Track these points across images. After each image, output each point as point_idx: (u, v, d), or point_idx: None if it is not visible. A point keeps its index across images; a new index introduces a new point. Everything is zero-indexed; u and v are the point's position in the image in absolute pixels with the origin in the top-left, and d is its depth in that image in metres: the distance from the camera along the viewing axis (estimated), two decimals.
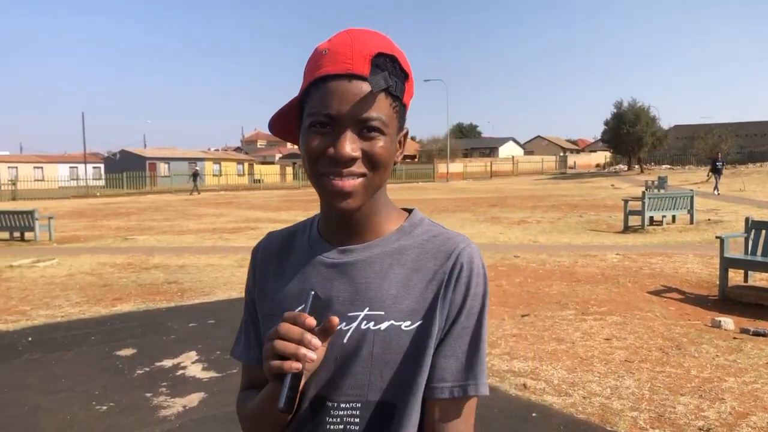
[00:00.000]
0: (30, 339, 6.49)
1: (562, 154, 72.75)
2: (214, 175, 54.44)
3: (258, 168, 59.59)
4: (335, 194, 0.99)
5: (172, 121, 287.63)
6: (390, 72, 0.98)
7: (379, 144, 0.99)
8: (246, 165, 61.26)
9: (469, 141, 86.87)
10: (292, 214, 22.46)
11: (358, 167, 0.98)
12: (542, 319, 6.78)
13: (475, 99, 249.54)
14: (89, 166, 56.64)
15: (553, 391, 4.69)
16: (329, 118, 0.96)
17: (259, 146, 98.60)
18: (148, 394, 4.89)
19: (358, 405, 1.01)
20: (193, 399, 4.80)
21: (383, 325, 1.01)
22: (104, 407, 4.63)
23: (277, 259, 1.16)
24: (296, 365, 0.89)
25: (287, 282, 1.10)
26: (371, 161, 0.99)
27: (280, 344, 0.90)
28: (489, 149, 79.27)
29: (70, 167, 59.91)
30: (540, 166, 61.03)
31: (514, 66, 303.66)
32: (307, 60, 1.03)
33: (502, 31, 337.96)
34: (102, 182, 50.66)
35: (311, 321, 0.91)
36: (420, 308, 1.02)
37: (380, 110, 0.98)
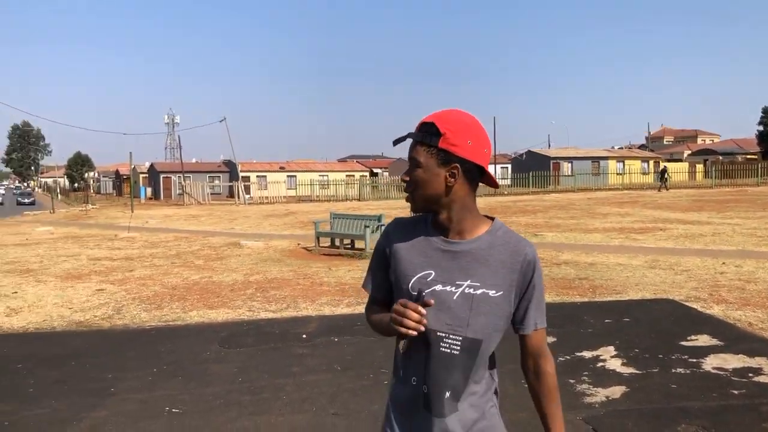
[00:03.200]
0: None
1: None
2: (617, 174, 53.37)
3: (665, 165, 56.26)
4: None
5: (575, 121, 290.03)
6: (425, 131, 1.67)
7: (416, 173, 1.69)
8: (651, 163, 58.50)
9: None
10: (704, 215, 20.79)
11: (410, 186, 1.72)
12: None
13: None
14: (498, 167, 60.81)
15: None
16: (408, 159, 1.74)
17: (665, 143, 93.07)
18: (571, 381, 5.20)
19: (459, 338, 1.66)
20: (615, 391, 4.94)
21: (479, 291, 1.67)
22: None
23: (407, 236, 1.78)
24: (413, 333, 1.57)
25: (414, 255, 1.74)
26: (413, 182, 1.70)
27: (408, 317, 1.57)
28: None
29: None
30: None
31: None
32: None
33: None
34: (508, 181, 53.86)
35: (423, 311, 1.58)
36: (503, 284, 1.68)
37: (417, 154, 1.68)
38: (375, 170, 66.29)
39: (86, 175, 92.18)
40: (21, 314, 8.62)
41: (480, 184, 1.74)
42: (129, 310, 8.66)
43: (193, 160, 62.84)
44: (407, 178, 1.71)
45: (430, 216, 1.77)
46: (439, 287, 1.67)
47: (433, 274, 1.69)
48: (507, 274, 1.68)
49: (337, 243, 15.23)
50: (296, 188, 49.89)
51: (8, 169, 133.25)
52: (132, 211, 34.08)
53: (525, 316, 1.73)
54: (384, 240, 1.84)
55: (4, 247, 17.79)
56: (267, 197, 46.76)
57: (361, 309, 8.02)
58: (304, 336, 6.85)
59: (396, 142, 1.79)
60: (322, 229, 15.31)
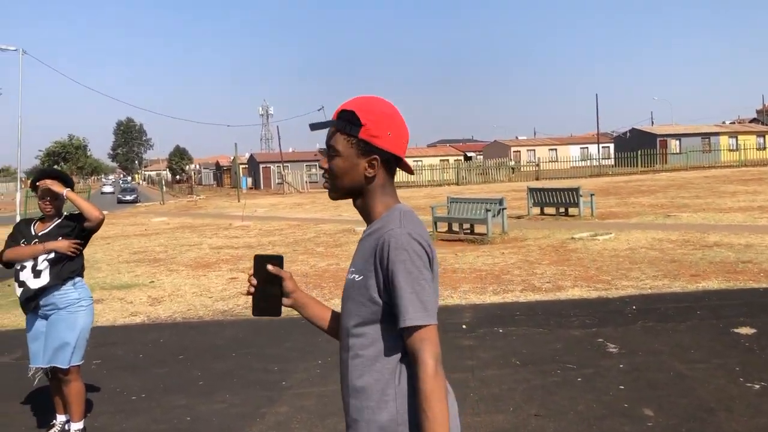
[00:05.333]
0: (634, 307, 6.82)
1: None
2: (730, 150, 50.14)
3: None
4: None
5: (678, 96, 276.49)
6: (345, 120, 1.64)
7: (334, 162, 1.66)
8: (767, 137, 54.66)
9: None
10: None
11: (329, 174, 1.69)
12: None
13: None
14: (599, 146, 58.55)
15: None
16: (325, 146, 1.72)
17: None
18: None
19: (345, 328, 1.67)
20: None
21: (351, 276, 1.66)
22: (756, 386, 4.47)
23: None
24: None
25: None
26: (331, 172, 1.67)
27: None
28: None
29: (581, 148, 62.98)
30: None
31: None
32: None
33: None
34: (611, 161, 51.69)
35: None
36: (364, 268, 1.61)
37: (335, 142, 1.65)
38: (468, 154, 65.32)
39: (187, 167, 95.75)
40: (164, 303, 8.68)
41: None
42: None
43: (290, 150, 63.90)
44: (326, 166, 1.68)
45: None
46: (348, 276, 1.70)
47: (353, 268, 1.70)
48: (369, 258, 1.60)
49: (455, 228, 14.77)
50: None
51: (114, 164, 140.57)
52: (239, 201, 34.90)
53: (392, 308, 1.55)
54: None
55: (128, 237, 18.41)
56: None
57: (510, 297, 7.57)
58: (464, 326, 6.46)
59: (314, 128, 1.76)
60: (439, 213, 14.90)
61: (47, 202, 4.06)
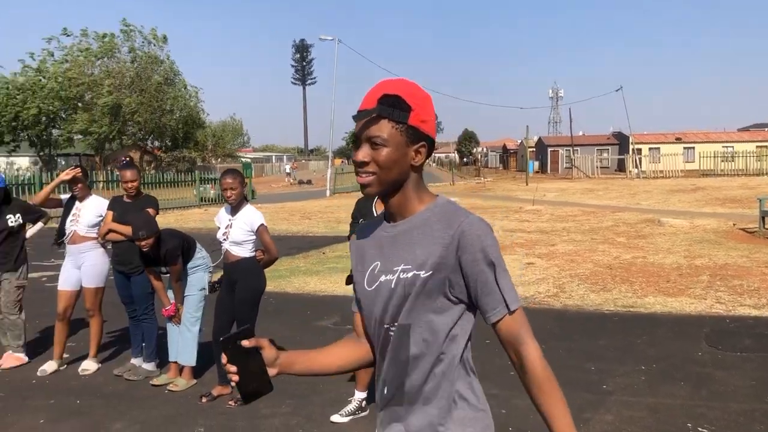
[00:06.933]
0: None
1: None
2: None
3: None
4: (360, 185, 1.51)
5: None
6: (391, 105, 1.45)
7: (382, 153, 1.46)
8: None
9: None
10: None
11: (371, 167, 1.47)
12: None
13: None
14: None
15: None
16: (356, 138, 1.51)
17: None
18: None
19: (395, 326, 1.50)
20: None
21: (410, 274, 1.46)
22: None
23: (366, 235, 1.62)
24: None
25: (366, 248, 1.60)
26: (377, 164, 1.47)
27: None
28: None
29: None
30: None
31: None
32: None
33: None
34: None
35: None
36: (434, 262, 1.45)
37: (381, 130, 1.46)
38: None
39: (473, 150, 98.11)
40: None
41: None
42: (572, 289, 8.04)
43: (580, 133, 61.53)
44: (368, 159, 1.47)
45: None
46: (383, 278, 1.51)
47: (379, 264, 1.54)
48: (439, 251, 1.44)
49: None
50: (695, 161, 45.12)
51: None
52: (526, 184, 34.59)
53: (480, 300, 1.45)
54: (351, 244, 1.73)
55: None
56: (661, 171, 43.23)
57: None
58: None
59: (360, 117, 1.49)
60: None
61: None
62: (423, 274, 1.45)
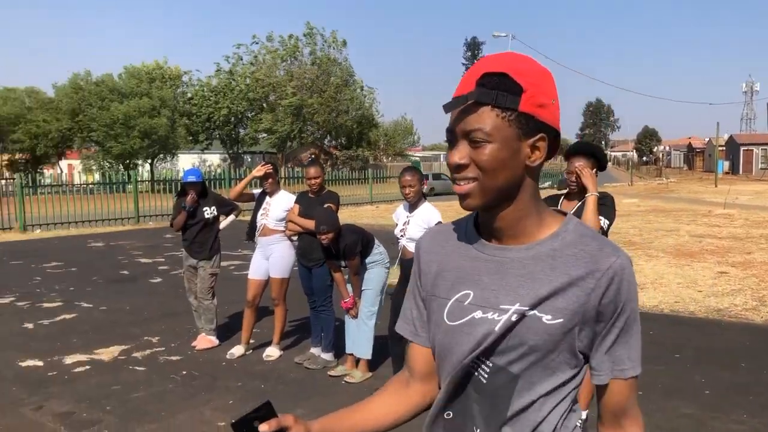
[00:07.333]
0: None
1: None
2: None
3: None
4: (459, 197, 1.15)
5: None
6: (494, 88, 1.08)
7: (485, 152, 1.10)
8: None
9: None
10: None
11: (471, 172, 1.12)
12: None
13: None
14: None
15: None
16: (450, 134, 1.15)
17: None
18: None
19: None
20: None
21: (529, 314, 1.12)
22: None
23: (441, 250, 1.27)
24: None
25: (447, 269, 1.24)
26: (478, 166, 1.11)
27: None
28: None
29: None
30: None
31: None
32: None
33: None
34: None
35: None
36: (566, 307, 1.11)
37: (481, 122, 1.09)
38: None
39: (654, 148, 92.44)
40: (646, 291, 8.10)
41: None
42: None
43: None
44: (465, 161, 1.12)
45: (474, 215, 1.27)
46: (478, 314, 1.16)
47: (472, 295, 1.18)
48: (577, 296, 1.10)
49: None
50: None
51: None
52: (716, 186, 31.88)
53: (601, 356, 1.15)
54: (415, 264, 1.35)
55: None
56: None
57: None
58: None
59: (453, 105, 1.12)
60: None
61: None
62: (549, 320, 1.11)
